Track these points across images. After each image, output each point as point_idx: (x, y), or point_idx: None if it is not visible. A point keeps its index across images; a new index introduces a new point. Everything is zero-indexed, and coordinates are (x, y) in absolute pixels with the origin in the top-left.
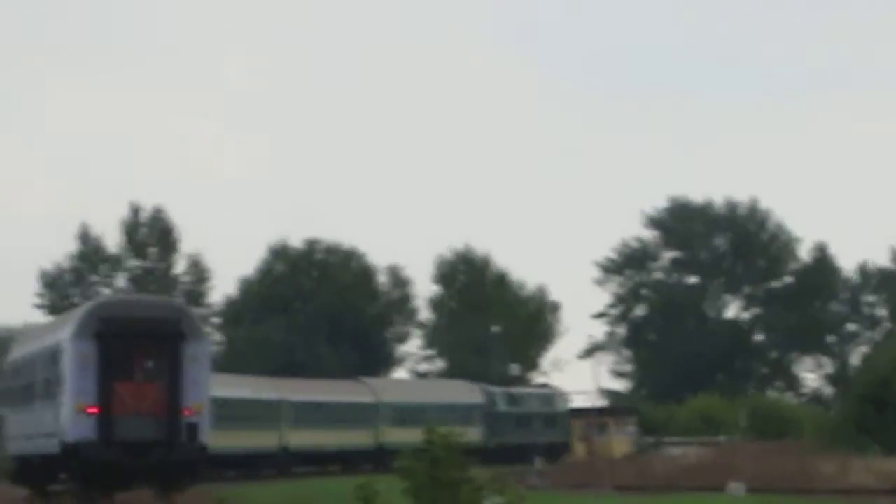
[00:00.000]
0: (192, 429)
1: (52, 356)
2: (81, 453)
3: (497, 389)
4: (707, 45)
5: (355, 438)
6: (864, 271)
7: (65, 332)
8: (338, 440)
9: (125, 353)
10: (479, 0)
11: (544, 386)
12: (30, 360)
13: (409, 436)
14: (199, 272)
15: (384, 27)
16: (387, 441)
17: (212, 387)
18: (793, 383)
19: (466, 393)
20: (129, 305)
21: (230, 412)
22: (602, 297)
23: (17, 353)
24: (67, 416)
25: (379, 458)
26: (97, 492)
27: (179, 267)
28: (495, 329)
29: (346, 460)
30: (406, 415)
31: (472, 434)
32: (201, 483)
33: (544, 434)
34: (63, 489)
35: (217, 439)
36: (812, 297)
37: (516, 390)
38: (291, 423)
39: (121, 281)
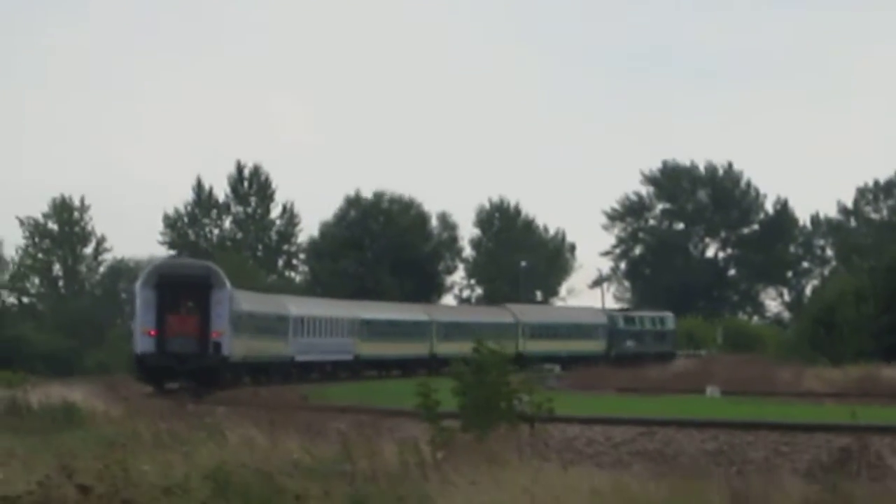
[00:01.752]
0: (217, 346)
1: (133, 297)
2: (146, 361)
3: (617, 312)
4: (697, 46)
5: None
6: (815, 221)
7: (137, 283)
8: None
9: (174, 296)
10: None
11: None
12: (129, 298)
13: (544, 346)
14: (289, 218)
15: (431, 14)
16: (525, 350)
17: (380, 312)
18: (758, 309)
19: (592, 315)
20: (177, 266)
21: (393, 329)
22: (608, 239)
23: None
24: (137, 337)
25: (519, 363)
26: (203, 390)
27: (274, 213)
28: (523, 264)
29: None
30: (541, 331)
31: (597, 346)
32: (223, 385)
33: (654, 346)
34: (178, 386)
35: (381, 349)
36: (774, 240)
37: (634, 313)
38: (441, 338)
39: (227, 224)
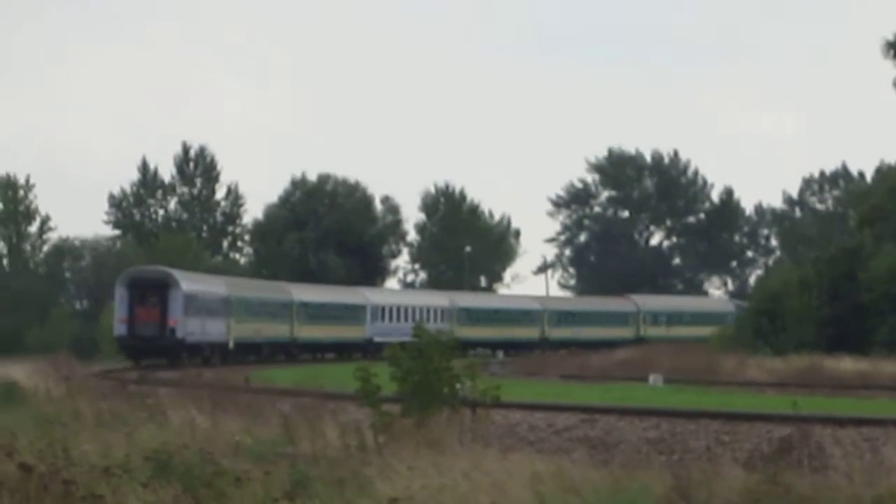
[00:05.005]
0: (173, 331)
1: (114, 294)
2: (120, 341)
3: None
4: (646, 33)
5: (618, 333)
6: (760, 211)
7: (117, 283)
8: (602, 334)
9: (141, 293)
10: None
11: None
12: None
13: (665, 332)
14: (234, 199)
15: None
16: (646, 335)
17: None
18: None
19: (719, 303)
20: (144, 271)
21: (498, 316)
22: (553, 226)
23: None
24: (115, 323)
25: (638, 343)
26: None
27: (219, 194)
28: (468, 249)
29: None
30: (665, 318)
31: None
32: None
33: None
34: (154, 363)
35: (484, 333)
36: (720, 229)
37: None
38: (553, 324)
39: (172, 204)
